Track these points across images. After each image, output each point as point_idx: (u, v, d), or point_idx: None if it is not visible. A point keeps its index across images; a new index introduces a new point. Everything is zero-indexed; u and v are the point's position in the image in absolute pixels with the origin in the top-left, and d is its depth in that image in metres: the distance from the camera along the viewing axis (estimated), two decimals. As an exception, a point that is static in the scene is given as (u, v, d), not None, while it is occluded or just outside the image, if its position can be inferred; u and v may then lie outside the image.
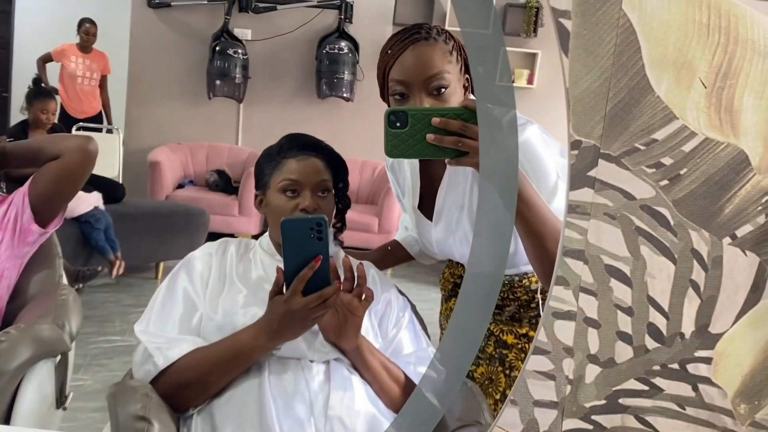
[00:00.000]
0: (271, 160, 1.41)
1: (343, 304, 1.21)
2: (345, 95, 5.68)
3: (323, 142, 1.45)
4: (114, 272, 3.97)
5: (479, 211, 0.73)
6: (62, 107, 5.09)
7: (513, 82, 6.07)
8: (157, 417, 1.14)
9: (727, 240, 0.73)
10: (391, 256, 1.76)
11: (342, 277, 1.21)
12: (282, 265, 1.18)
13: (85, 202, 3.90)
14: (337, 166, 1.44)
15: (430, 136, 1.03)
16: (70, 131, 4.69)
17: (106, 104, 5.54)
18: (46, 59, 5.25)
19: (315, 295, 1.15)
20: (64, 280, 1.71)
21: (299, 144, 1.42)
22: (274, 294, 1.17)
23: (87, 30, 5.19)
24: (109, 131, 5.41)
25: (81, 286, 3.78)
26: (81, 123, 5.23)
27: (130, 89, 5.59)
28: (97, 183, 4.07)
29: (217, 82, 5.46)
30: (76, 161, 1.60)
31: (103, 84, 5.44)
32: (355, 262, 1.38)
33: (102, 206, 3.97)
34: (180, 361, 1.21)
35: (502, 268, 0.72)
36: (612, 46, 0.70)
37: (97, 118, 5.36)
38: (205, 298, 1.32)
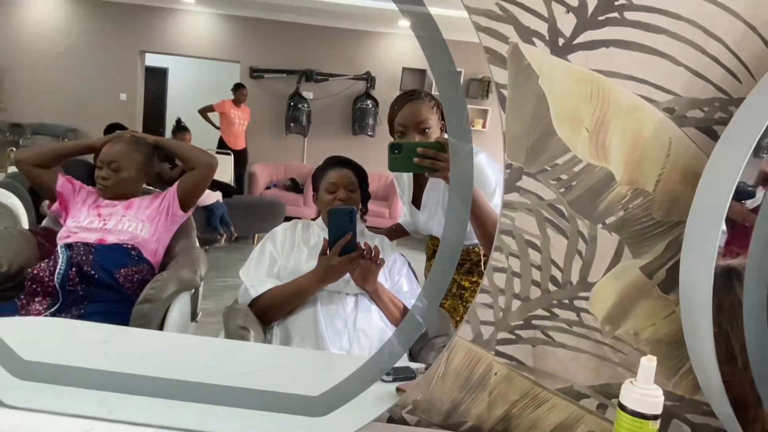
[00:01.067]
0: (320, 172, 1.41)
1: (365, 266, 1.20)
2: (369, 133, 5.65)
3: (352, 160, 1.45)
4: (229, 238, 3.99)
5: (449, 205, 0.73)
6: (223, 142, 4.92)
7: (472, 126, 5.99)
8: (252, 327, 1.15)
9: (600, 225, 0.73)
10: (397, 232, 1.75)
11: (365, 250, 1.20)
12: (327, 237, 1.18)
13: (211, 196, 3.91)
14: (361, 174, 1.44)
15: (416, 160, 1.02)
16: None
17: (247, 141, 5.31)
18: (208, 110, 5.05)
19: (347, 257, 1.15)
20: (197, 244, 1.71)
21: (336, 161, 1.43)
22: (322, 254, 1.17)
23: (242, 92, 5.05)
24: (227, 154, 5.38)
25: (207, 248, 3.78)
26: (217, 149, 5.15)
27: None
28: (218, 184, 4.08)
29: (291, 124, 5.44)
30: (210, 173, 1.62)
31: (247, 129, 5.22)
32: (374, 241, 1.38)
33: (221, 200, 3.98)
34: (265, 294, 1.21)
35: (462, 240, 0.72)
36: (532, 106, 0.69)
37: (244, 150, 5.11)
38: (283, 255, 1.32)
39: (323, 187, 1.38)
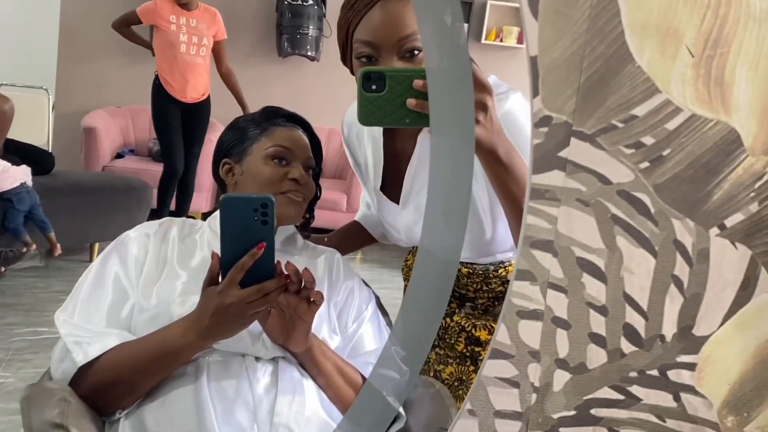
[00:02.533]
0: (249, 127, 1.43)
1: (290, 307, 1.21)
2: (309, 53, 5.66)
3: (305, 119, 1.50)
4: (48, 253, 3.97)
5: (430, 181, 0.72)
6: (162, 87, 4.89)
7: (499, 40, 6.09)
8: (76, 424, 1.14)
9: (714, 230, 0.73)
10: (354, 239, 1.77)
11: (289, 275, 1.20)
12: (219, 250, 1.17)
13: (12, 177, 3.86)
14: (315, 148, 1.48)
15: (411, 101, 1.03)
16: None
17: (234, 85, 5.16)
18: (129, 21, 5.01)
19: (254, 288, 1.14)
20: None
21: (285, 115, 1.46)
22: (208, 284, 1.17)
23: None
24: (38, 88, 5.30)
25: (3, 270, 3.74)
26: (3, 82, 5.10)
27: (62, 43, 5.50)
28: (21, 151, 4.02)
29: (163, 35, 5.40)
30: None
31: (220, 53, 5.10)
32: (313, 259, 1.39)
33: (30, 182, 3.93)
34: (102, 358, 1.21)
35: (459, 250, 0.72)
36: (587, 8, 0.69)
37: (201, 104, 5.04)
38: (139, 286, 1.32)
39: (259, 151, 1.41)
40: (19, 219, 3.84)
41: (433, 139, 0.73)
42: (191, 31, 4.87)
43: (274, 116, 1.46)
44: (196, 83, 4.92)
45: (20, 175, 3.90)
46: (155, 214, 4.57)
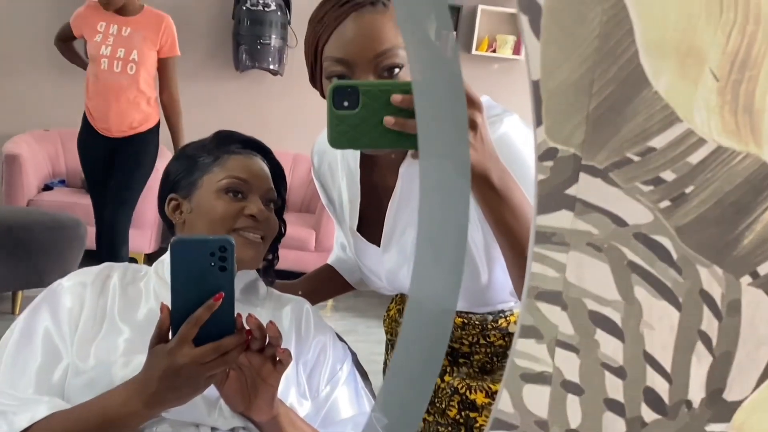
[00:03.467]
0: (199, 156, 1.43)
1: (252, 368, 1.20)
2: (272, 67, 5.70)
3: (265, 145, 1.50)
4: None
5: (420, 215, 0.73)
6: (85, 116, 4.58)
7: (492, 50, 6.14)
8: None
9: (746, 279, 0.74)
10: (326, 286, 1.78)
11: (251, 330, 1.20)
12: (168, 303, 1.17)
13: None
14: (278, 178, 1.48)
15: (388, 119, 1.04)
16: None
17: (173, 124, 4.75)
18: (65, 35, 4.75)
19: (210, 346, 1.14)
20: None
21: (241, 140, 1.46)
22: (156, 341, 1.16)
23: None
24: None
25: None
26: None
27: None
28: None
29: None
30: None
31: (165, 74, 4.70)
32: (279, 312, 1.39)
33: None
34: (31, 430, 1.20)
35: (456, 297, 0.72)
36: (597, 26, 0.70)
37: (137, 141, 4.63)
38: (73, 344, 1.31)
39: (211, 183, 1.40)
40: None
41: (423, 165, 0.74)
42: (119, 42, 4.48)
43: (227, 142, 1.46)
44: (121, 110, 4.51)
45: None
46: (89, 257, 4.54)
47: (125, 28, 4.50)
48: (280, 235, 1.53)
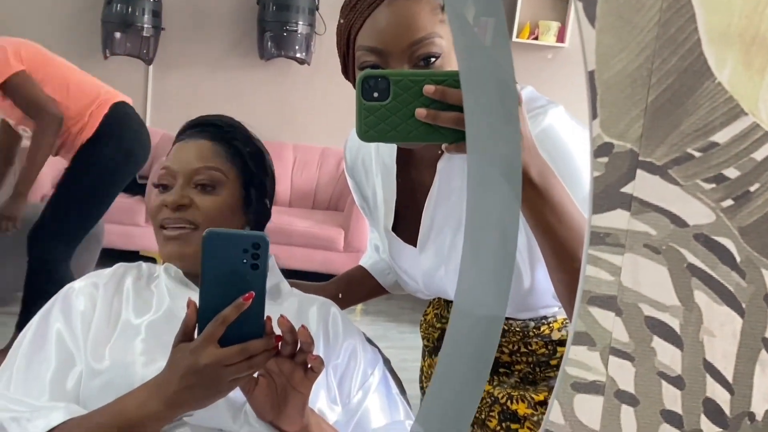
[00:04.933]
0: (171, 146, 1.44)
1: (282, 375, 1.20)
2: (299, 56, 5.70)
3: (228, 118, 1.47)
4: None
5: (467, 221, 0.73)
6: None
7: (534, 38, 6.13)
8: None
9: (815, 283, 0.74)
10: (359, 289, 1.78)
11: (282, 336, 1.20)
12: (197, 300, 1.17)
13: None
14: (243, 152, 1.45)
15: (420, 111, 1.04)
16: None
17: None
18: None
19: (236, 348, 1.14)
20: None
21: (195, 123, 1.45)
22: (181, 339, 1.16)
23: None
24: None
25: None
26: None
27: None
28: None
29: (117, 34, 5.46)
30: None
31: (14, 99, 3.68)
32: (306, 314, 1.39)
33: None
34: None
35: (504, 306, 0.73)
36: (657, 13, 0.70)
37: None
38: (87, 347, 1.32)
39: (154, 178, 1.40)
40: None
41: (470, 160, 0.74)
42: None
43: (186, 127, 1.46)
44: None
45: None
46: (107, 256, 4.56)
47: None
48: (261, 218, 1.50)
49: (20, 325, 3.59)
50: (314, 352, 1.23)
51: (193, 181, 1.37)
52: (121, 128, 3.78)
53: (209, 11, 5.72)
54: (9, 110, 3.63)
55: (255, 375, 1.19)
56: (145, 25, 5.45)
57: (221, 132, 1.44)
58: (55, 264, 3.70)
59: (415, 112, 1.04)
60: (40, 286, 3.65)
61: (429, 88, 1.03)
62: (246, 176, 1.44)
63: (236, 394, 1.22)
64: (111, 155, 3.77)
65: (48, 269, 3.68)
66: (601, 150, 0.73)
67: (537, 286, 1.44)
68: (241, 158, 1.43)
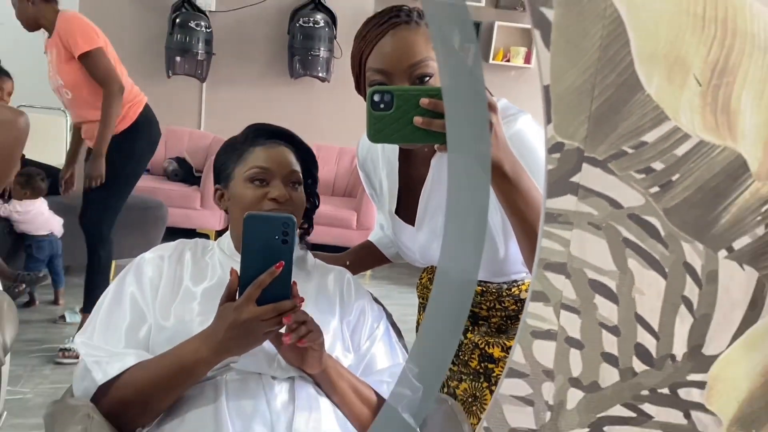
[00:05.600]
0: (234, 150, 1.42)
1: (308, 329, 1.21)
2: (320, 75, 5.68)
3: (291, 132, 1.47)
4: (55, 300, 4.00)
5: (448, 209, 0.73)
6: None
7: (506, 60, 6.09)
8: (98, 441, 1.14)
9: (723, 253, 0.74)
10: (367, 259, 1.78)
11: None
12: (238, 269, 1.18)
13: (43, 224, 3.90)
14: (306, 158, 1.46)
15: (417, 119, 1.05)
16: None
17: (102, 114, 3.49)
18: None
19: (270, 306, 1.15)
20: (-1, 285, 1.69)
21: (266, 132, 1.44)
22: (226, 299, 1.18)
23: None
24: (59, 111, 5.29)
25: (23, 287, 3.77)
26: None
27: (79, 66, 5.53)
28: (37, 169, 4.04)
29: (177, 58, 5.44)
30: (3, 139, 1.58)
31: (90, 71, 3.46)
32: (325, 279, 1.40)
33: (58, 233, 3.97)
34: (121, 377, 1.22)
35: (476, 270, 0.73)
36: (598, 39, 0.70)
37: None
38: (155, 307, 1.32)
39: (240, 175, 1.39)
40: (39, 266, 3.89)
41: (451, 156, 0.74)
42: (51, 70, 3.60)
43: (255, 135, 1.45)
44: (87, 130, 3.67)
45: (53, 225, 3.93)
46: (170, 232, 4.57)
47: (48, 51, 3.59)
48: (314, 206, 1.53)
49: (87, 282, 3.62)
50: (332, 311, 1.23)
51: (287, 181, 1.38)
52: (150, 125, 3.73)
53: (250, 40, 5.70)
54: (73, 74, 3.44)
55: (282, 330, 1.20)
56: (200, 51, 5.44)
57: (293, 141, 1.46)
58: (103, 235, 3.66)
59: (414, 119, 1.04)
60: (96, 253, 3.66)
61: (424, 101, 1.03)
62: (307, 174, 1.45)
63: (270, 346, 1.23)
64: (142, 146, 3.73)
65: (99, 240, 3.65)
66: (554, 148, 0.72)
67: (509, 255, 1.44)
68: (304, 160, 1.44)
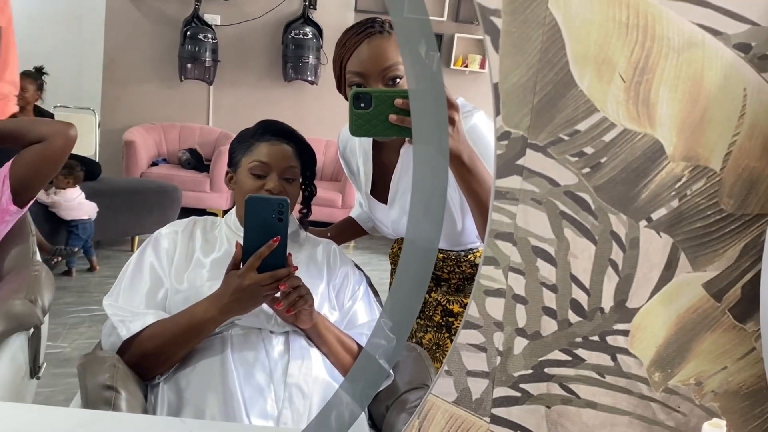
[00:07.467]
0: (244, 141, 1.40)
1: (301, 293, 1.20)
2: (309, 78, 5.63)
3: (296, 131, 1.45)
4: (91, 268, 3.95)
5: (414, 188, 0.72)
6: None
7: (465, 66, 6.07)
8: (124, 386, 1.13)
9: (643, 223, 0.74)
10: (349, 232, 1.76)
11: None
12: (241, 242, 1.17)
13: (85, 210, 3.84)
14: (306, 155, 1.44)
15: (392, 117, 1.03)
16: None
17: None
18: None
19: (268, 274, 1.14)
20: (38, 257, 1.67)
21: (273, 130, 1.42)
22: (231, 268, 1.17)
23: None
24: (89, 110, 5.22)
25: (60, 259, 3.72)
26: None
27: (105, 72, 5.45)
28: (76, 161, 3.99)
29: (188, 65, 5.37)
30: (58, 146, 1.55)
31: None
32: (314, 250, 1.38)
33: (93, 217, 3.92)
34: (142, 333, 1.20)
35: (437, 238, 0.72)
36: (539, 43, 0.69)
37: None
38: (171, 274, 1.31)
39: (245, 165, 1.37)
40: (79, 244, 3.84)
41: (416, 147, 0.73)
42: None
43: (264, 131, 1.43)
44: None
45: (90, 210, 3.88)
46: (184, 211, 4.52)
47: None
48: (312, 194, 1.51)
49: None
50: (320, 276, 1.22)
51: (283, 175, 1.35)
52: None
53: (250, 49, 5.64)
54: None
55: (278, 295, 1.19)
56: (207, 59, 5.37)
57: (295, 139, 1.42)
58: None
59: (389, 117, 1.03)
60: None
61: (398, 101, 1.02)
62: (305, 168, 1.42)
63: (268, 307, 1.22)
64: None
65: None
66: (502, 136, 0.72)
67: (465, 228, 1.43)
68: (302, 156, 1.41)
